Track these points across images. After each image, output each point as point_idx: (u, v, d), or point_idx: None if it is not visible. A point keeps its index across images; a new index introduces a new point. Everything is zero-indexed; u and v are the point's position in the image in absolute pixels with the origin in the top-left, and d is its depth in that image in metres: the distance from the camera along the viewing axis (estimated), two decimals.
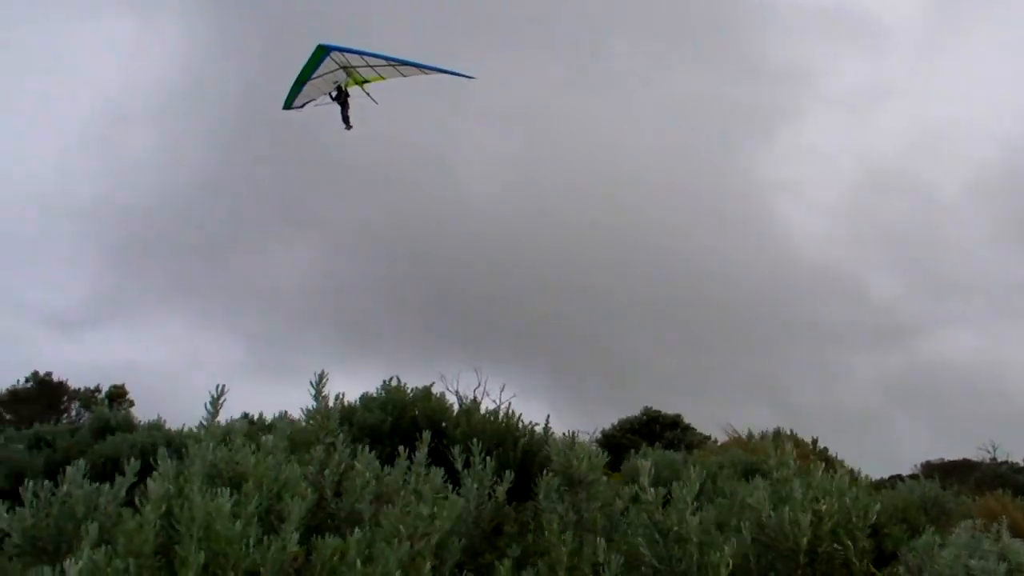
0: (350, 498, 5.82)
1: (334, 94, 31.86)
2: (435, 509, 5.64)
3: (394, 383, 15.52)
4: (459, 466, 7.24)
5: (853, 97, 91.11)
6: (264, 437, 5.84)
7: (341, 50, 29.91)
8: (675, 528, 6.34)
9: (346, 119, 32.52)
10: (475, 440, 7.52)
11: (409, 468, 6.47)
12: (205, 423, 6.40)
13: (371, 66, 30.92)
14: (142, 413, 32.91)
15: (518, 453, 12.46)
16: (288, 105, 32.44)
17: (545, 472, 7.22)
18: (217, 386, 6.71)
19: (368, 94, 31.60)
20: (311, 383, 7.45)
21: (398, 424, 13.83)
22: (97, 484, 5.42)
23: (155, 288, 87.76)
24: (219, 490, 4.98)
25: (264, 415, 28.25)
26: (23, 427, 36.55)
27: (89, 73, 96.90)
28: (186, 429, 27.34)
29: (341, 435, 6.55)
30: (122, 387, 50.72)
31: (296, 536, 4.92)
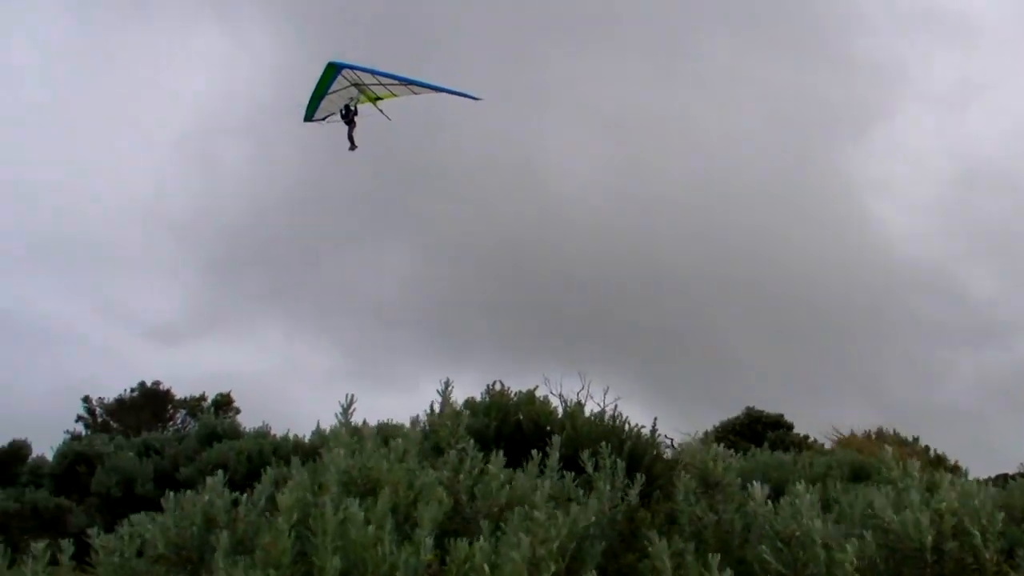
0: (484, 503, 5.72)
1: (343, 112, 32.21)
2: (557, 513, 5.51)
3: (497, 387, 15.43)
4: (589, 469, 7.11)
5: (946, 94, 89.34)
6: (395, 442, 5.76)
7: (352, 68, 30.38)
8: (798, 533, 6.15)
9: (351, 139, 32.72)
10: (605, 444, 7.41)
11: (542, 472, 6.36)
12: (336, 430, 6.35)
13: (382, 84, 31.39)
14: (246, 421, 33.37)
15: (624, 456, 12.32)
16: (308, 118, 32.90)
17: (682, 474, 7.08)
18: (347, 395, 6.70)
19: (381, 111, 32.03)
20: (438, 391, 7.42)
21: (502, 428, 13.75)
22: (237, 493, 5.38)
23: (254, 298, 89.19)
24: (351, 498, 4.90)
25: (367, 421, 28.39)
26: (131, 435, 37.24)
27: (184, 88, 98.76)
28: (292, 435, 27.67)
29: (472, 440, 6.46)
30: (228, 395, 51.47)
31: (431, 541, 4.83)
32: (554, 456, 6.86)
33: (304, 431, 27.87)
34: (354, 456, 5.61)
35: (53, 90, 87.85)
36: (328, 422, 27.64)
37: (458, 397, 14.77)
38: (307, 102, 31.89)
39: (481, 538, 4.84)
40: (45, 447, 54.64)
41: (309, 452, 24.41)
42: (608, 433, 13.20)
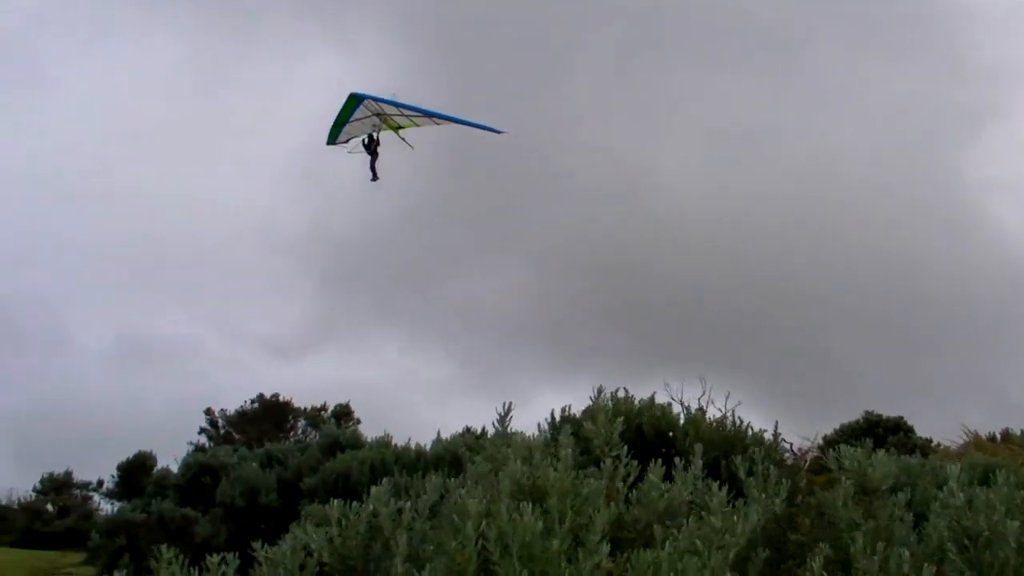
0: (645, 511, 5.65)
1: (365, 141, 32.49)
2: (734, 519, 5.42)
3: (620, 394, 15.36)
4: (742, 475, 6.99)
5: None
6: (563, 452, 5.71)
7: (373, 99, 30.59)
8: (986, 532, 5.97)
9: (373, 169, 32.93)
10: (755, 449, 7.31)
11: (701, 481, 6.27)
12: (501, 437, 6.35)
13: (404, 115, 31.50)
14: (365, 431, 33.71)
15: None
16: (330, 142, 33.18)
17: (842, 480, 6.94)
18: (504, 403, 6.69)
19: (404, 139, 32.12)
20: (591, 397, 7.41)
21: (624, 435, 13.64)
22: (403, 502, 5.39)
23: (368, 312, 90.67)
24: (523, 505, 4.87)
25: (486, 429, 28.47)
26: (253, 446, 37.94)
27: (297, 105, 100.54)
28: (414, 445, 27.86)
29: (626, 447, 6.40)
30: (347, 405, 52.25)
31: (606, 549, 4.78)
32: (697, 463, 6.77)
33: (422, 441, 28.08)
34: (519, 464, 5.57)
35: (174, 110, 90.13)
36: (447, 432, 27.89)
37: (576, 405, 14.77)
38: (330, 127, 32.39)
39: (664, 545, 4.78)
40: (169, 458, 55.96)
41: (441, 461, 24.60)
42: (731, 439, 13.05)
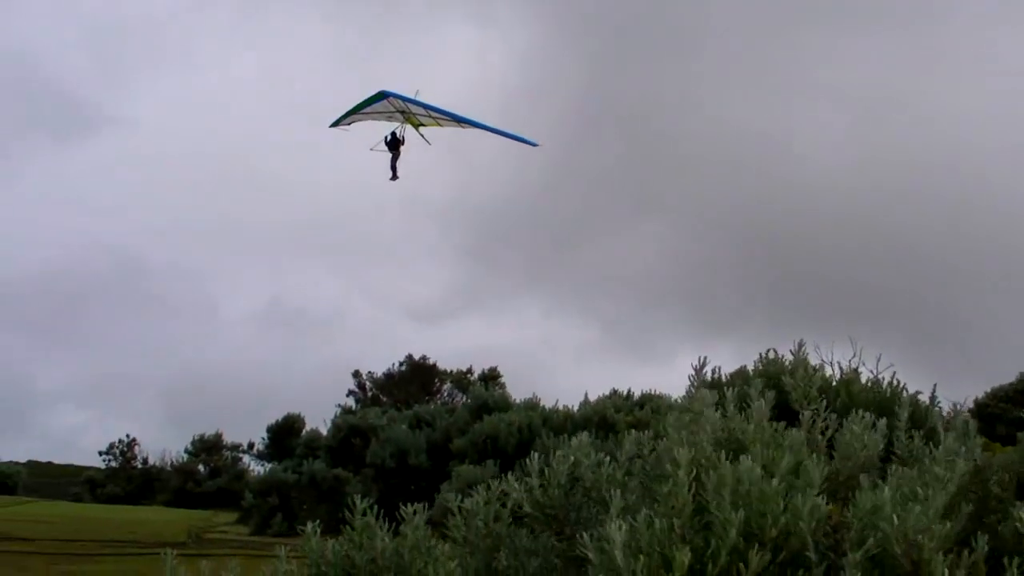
0: (846, 462, 5.49)
1: (388, 139, 32.16)
2: (958, 462, 5.24)
3: (771, 355, 15.07)
4: (902, 435, 6.76)
5: None
6: (755, 404, 5.57)
7: (400, 98, 30.49)
8: None
9: (394, 168, 32.45)
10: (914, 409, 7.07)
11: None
12: (689, 393, 6.21)
13: (430, 116, 31.32)
14: (511, 394, 33.91)
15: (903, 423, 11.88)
16: (334, 124, 33.17)
17: None
18: (699, 357, 6.54)
19: (422, 136, 31.93)
20: (791, 351, 7.24)
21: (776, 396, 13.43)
22: (602, 454, 5.32)
23: (510, 278, 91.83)
24: (725, 453, 4.77)
25: (632, 391, 28.38)
26: (401, 408, 38.48)
27: (437, 76, 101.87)
28: (561, 407, 27.95)
29: (825, 401, 6.22)
30: (495, 369, 52.66)
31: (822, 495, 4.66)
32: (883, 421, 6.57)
33: (567, 403, 28.13)
34: (717, 415, 5.44)
35: (318, 86, 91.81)
36: (594, 394, 27.84)
37: (724, 367, 14.52)
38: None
39: (886, 488, 4.63)
40: (317, 420, 57.34)
41: (589, 423, 24.62)
42: (885, 400, 12.68)
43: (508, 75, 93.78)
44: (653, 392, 28.17)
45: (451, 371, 53.54)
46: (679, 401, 6.09)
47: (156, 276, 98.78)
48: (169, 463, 62.14)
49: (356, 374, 55.32)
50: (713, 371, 15.89)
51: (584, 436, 5.41)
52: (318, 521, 5.30)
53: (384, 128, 31.79)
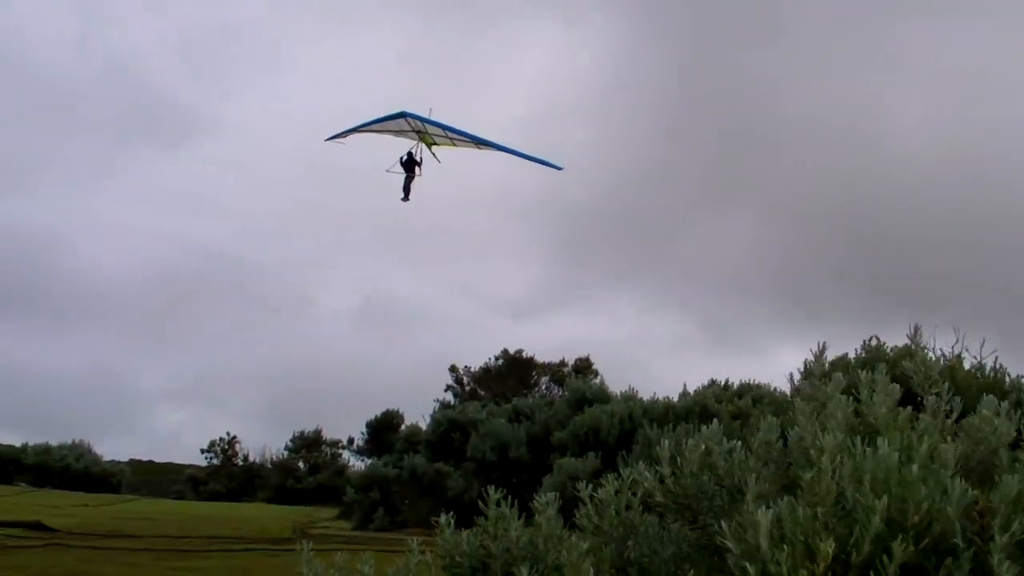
0: (979, 446, 5.41)
1: (403, 159, 31.75)
2: None
3: (873, 343, 14.96)
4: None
5: None
6: (887, 387, 5.51)
7: (419, 119, 30.05)
8: None
9: (407, 190, 32.12)
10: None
11: None
12: (808, 381, 6.18)
13: (448, 137, 30.89)
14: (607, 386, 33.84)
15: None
16: (332, 137, 33.03)
17: None
18: (818, 343, 6.51)
19: (434, 155, 31.59)
20: (908, 336, 7.17)
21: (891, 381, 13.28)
22: (735, 441, 5.31)
23: (602, 273, 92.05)
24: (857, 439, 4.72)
25: (730, 381, 28.17)
26: (499, 402, 38.61)
27: (525, 73, 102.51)
28: (661, 398, 27.84)
29: (947, 384, 6.13)
30: (587, 359, 52.66)
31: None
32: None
33: (664, 395, 28.03)
34: (845, 401, 5.40)
35: (406, 85, 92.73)
36: (692, 386, 27.65)
37: (798, 360, 14.38)
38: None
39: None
40: (415, 416, 57.87)
41: (691, 413, 24.50)
42: (989, 385, 12.48)
43: (596, 71, 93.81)
44: (752, 382, 27.94)
45: (547, 364, 53.60)
46: (802, 386, 6.03)
47: (255, 276, 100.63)
48: (269, 460, 63.16)
49: (453, 369, 55.64)
50: (816, 358, 15.71)
51: (715, 424, 5.41)
52: (452, 512, 5.35)
53: (391, 144, 31.79)
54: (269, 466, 62.66)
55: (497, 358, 54.52)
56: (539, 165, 30.70)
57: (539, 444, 28.77)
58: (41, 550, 20.78)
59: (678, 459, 5.24)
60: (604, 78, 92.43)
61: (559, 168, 30.75)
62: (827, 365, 6.75)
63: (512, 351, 54.66)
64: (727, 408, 24.20)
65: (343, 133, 32.74)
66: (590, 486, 5.47)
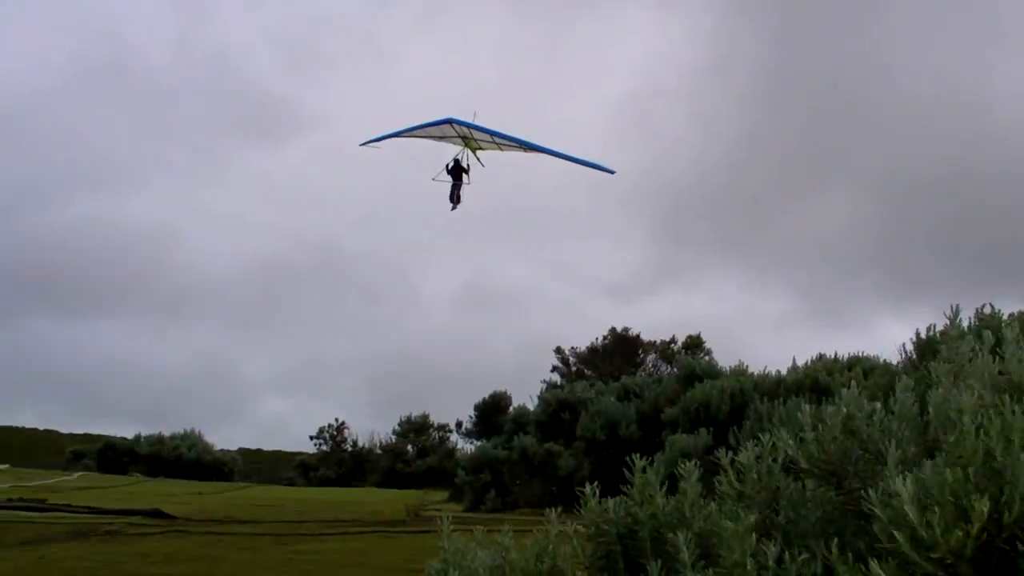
0: None
1: (449, 167, 31.38)
2: None
3: (987, 310, 14.75)
4: None
5: None
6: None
7: (466, 125, 29.75)
8: None
9: (458, 198, 31.87)
10: None
11: None
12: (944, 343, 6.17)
13: (495, 142, 30.53)
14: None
15: None
16: (369, 141, 32.59)
17: None
18: (952, 305, 6.50)
19: (479, 159, 31.15)
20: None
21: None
22: (875, 403, 5.33)
23: (704, 253, 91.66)
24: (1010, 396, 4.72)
25: (838, 354, 27.89)
26: (607, 381, 38.65)
27: (619, 56, 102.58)
28: (771, 372, 27.66)
29: None
30: (698, 336, 52.48)
31: None
32: None
33: (773, 370, 27.86)
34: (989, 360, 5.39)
35: (502, 75, 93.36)
36: (802, 359, 27.41)
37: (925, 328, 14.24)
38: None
39: None
40: (522, 397, 58.24)
41: (802, 387, 24.36)
42: None
43: (692, 53, 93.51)
44: (861, 354, 27.66)
45: (654, 342, 53.53)
46: (943, 346, 6.00)
47: (358, 264, 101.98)
48: (378, 445, 63.92)
49: (559, 350, 55.83)
50: (928, 329, 15.64)
51: (854, 388, 5.43)
52: (597, 483, 5.46)
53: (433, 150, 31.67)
54: (378, 451, 63.44)
55: (604, 337, 54.60)
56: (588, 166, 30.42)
57: (649, 422, 28.76)
58: (162, 537, 21.31)
59: (819, 425, 5.29)
60: (699, 57, 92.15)
61: (611, 172, 30.24)
62: (955, 330, 6.73)
63: (623, 327, 54.74)
64: (839, 380, 23.98)
65: (380, 138, 32.63)
66: (730, 453, 5.55)
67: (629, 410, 29.45)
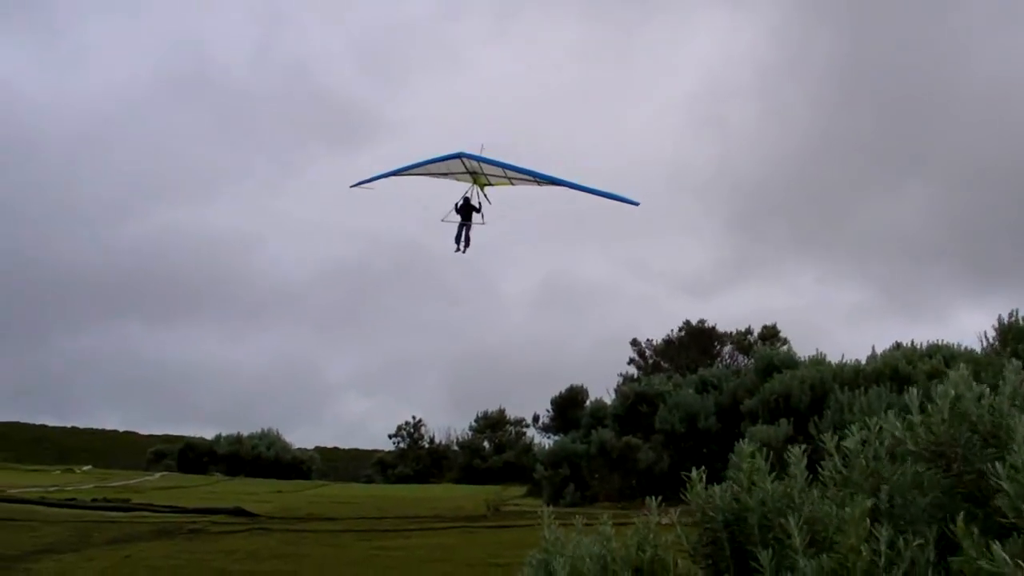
0: None
1: (458, 205, 30.43)
2: None
3: None
4: None
5: None
6: None
7: (476, 159, 28.83)
8: None
9: (467, 240, 30.79)
10: None
11: None
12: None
13: (506, 176, 29.58)
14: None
15: None
16: (361, 182, 31.75)
17: None
18: None
19: (486, 196, 30.41)
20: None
21: None
22: (983, 387, 5.25)
23: (779, 247, 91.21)
24: None
25: (916, 343, 27.60)
26: (684, 373, 38.50)
27: (690, 55, 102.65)
28: (851, 361, 27.38)
29: None
30: (774, 327, 52.12)
31: None
32: None
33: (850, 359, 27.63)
34: None
35: (577, 77, 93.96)
36: (881, 348, 27.15)
37: (985, 322, 14.07)
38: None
39: None
40: (600, 391, 58.23)
41: (882, 376, 24.11)
42: None
43: (763, 51, 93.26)
44: (941, 342, 27.35)
45: (730, 333, 53.22)
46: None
47: (435, 264, 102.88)
48: (455, 442, 64.17)
49: (635, 343, 55.63)
50: (1010, 315, 15.42)
51: (963, 369, 5.35)
52: (703, 467, 5.43)
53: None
54: (455, 447, 63.67)
55: (680, 329, 54.36)
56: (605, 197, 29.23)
57: (727, 413, 28.59)
58: (246, 535, 21.50)
59: (928, 407, 5.22)
60: (771, 54, 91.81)
61: (635, 204, 29.06)
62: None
63: (699, 319, 54.55)
64: (921, 369, 23.72)
65: (375, 178, 31.74)
66: (835, 437, 5.50)
67: (707, 402, 29.30)
